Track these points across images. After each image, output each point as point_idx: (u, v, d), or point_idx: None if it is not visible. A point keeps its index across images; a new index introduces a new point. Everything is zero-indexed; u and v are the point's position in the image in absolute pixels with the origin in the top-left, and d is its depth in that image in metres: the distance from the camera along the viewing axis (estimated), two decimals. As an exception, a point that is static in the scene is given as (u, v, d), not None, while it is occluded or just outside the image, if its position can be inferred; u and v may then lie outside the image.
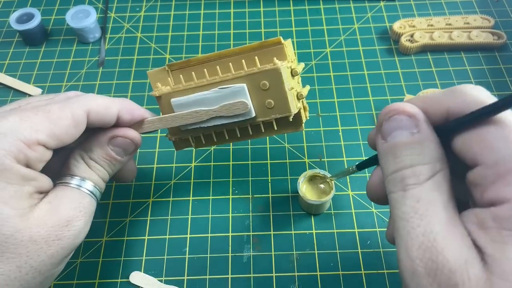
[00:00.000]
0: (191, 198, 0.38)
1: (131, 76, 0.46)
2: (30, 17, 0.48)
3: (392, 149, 0.20)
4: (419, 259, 0.18)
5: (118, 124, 0.28)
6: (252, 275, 0.34)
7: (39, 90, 0.45)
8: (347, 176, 0.38)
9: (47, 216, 0.24)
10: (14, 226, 0.22)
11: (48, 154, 0.24)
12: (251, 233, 0.36)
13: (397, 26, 0.47)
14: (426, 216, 0.18)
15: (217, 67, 0.28)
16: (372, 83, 0.44)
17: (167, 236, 0.36)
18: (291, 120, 0.28)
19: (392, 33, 0.47)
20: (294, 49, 0.30)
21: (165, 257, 0.35)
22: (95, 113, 0.26)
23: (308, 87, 0.30)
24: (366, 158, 0.27)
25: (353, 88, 0.44)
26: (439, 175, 0.19)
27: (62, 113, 0.24)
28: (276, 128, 0.29)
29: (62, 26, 0.51)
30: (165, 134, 0.30)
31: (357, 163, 0.29)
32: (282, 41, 0.27)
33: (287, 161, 0.40)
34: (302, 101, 0.29)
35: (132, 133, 0.29)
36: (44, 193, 0.25)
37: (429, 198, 0.19)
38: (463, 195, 0.21)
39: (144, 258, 0.35)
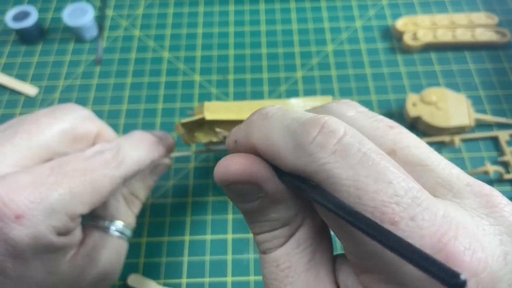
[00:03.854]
0: (190, 199, 0.37)
1: (129, 75, 0.45)
2: (26, 15, 0.47)
3: (245, 213, 0.17)
4: None
5: None
6: (252, 277, 0.33)
7: (36, 89, 0.44)
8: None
9: (87, 272, 0.24)
10: None
11: (80, 219, 0.24)
12: (251, 235, 0.35)
13: (399, 24, 0.46)
14: (286, 284, 0.16)
15: None
16: (374, 82, 0.44)
17: (166, 238, 0.35)
18: None
19: (395, 31, 0.47)
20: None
21: (164, 259, 0.35)
22: (131, 175, 0.26)
23: None
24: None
25: (355, 87, 0.43)
26: (301, 231, 0.16)
27: (104, 182, 0.24)
28: None
29: (59, 24, 0.50)
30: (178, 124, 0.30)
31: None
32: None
33: (288, 161, 0.39)
34: None
35: (170, 161, 0.30)
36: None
37: (288, 262, 0.16)
38: None
39: (142, 260, 0.35)
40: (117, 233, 0.26)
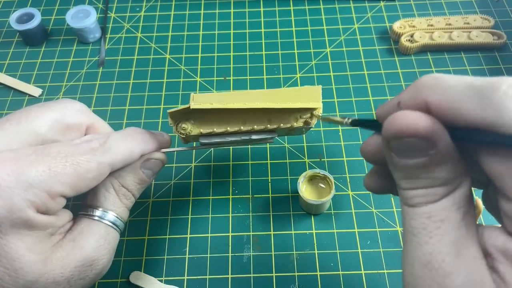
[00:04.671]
0: (191, 198, 0.38)
1: (131, 76, 0.46)
2: (30, 17, 0.48)
3: (403, 169, 0.18)
4: (422, 279, 0.17)
5: None
6: (252, 275, 0.34)
7: (39, 90, 0.45)
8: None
9: (71, 256, 0.24)
10: (39, 272, 0.22)
11: (64, 202, 0.24)
12: (251, 233, 0.36)
13: (397, 26, 0.47)
14: (436, 234, 0.17)
15: (253, 125, 0.29)
16: (372, 83, 0.44)
17: (167, 236, 0.36)
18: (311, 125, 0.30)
19: (392, 33, 0.47)
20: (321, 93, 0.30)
21: (165, 257, 0.35)
22: (119, 163, 0.26)
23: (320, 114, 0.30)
24: (366, 119, 0.24)
25: (353, 88, 0.44)
26: (457, 192, 0.17)
27: (89, 167, 0.24)
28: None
29: (62, 26, 0.51)
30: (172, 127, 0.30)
31: (354, 118, 0.26)
32: (320, 104, 0.29)
33: (287, 161, 0.40)
34: None
35: (162, 155, 0.29)
36: (65, 225, 0.25)
37: (441, 216, 0.17)
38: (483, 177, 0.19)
39: (144, 258, 0.35)
40: (105, 221, 0.26)
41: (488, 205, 0.20)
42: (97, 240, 0.25)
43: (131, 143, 0.27)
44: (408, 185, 0.18)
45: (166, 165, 0.40)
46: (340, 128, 0.41)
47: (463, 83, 0.16)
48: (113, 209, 0.27)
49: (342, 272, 0.34)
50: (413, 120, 0.16)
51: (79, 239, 0.25)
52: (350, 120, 0.25)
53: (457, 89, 0.16)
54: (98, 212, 0.26)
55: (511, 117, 0.14)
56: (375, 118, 0.21)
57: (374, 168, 0.23)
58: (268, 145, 0.41)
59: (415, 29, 0.47)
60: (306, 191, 0.36)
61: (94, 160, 0.24)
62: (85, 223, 0.26)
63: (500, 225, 0.17)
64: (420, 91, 0.17)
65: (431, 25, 0.47)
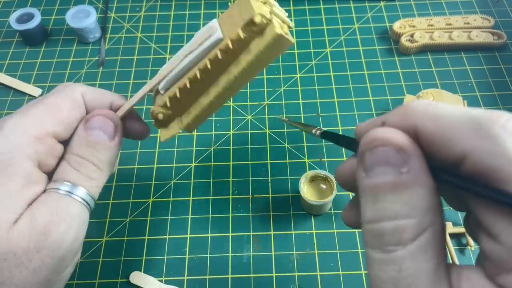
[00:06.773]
0: (191, 198, 0.38)
1: (131, 76, 0.46)
2: (30, 17, 0.48)
3: (373, 190, 0.16)
4: None
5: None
6: (252, 275, 0.34)
7: (39, 90, 0.45)
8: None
9: (25, 225, 0.22)
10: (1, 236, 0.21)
11: (59, 148, 0.24)
12: (251, 233, 0.36)
13: (397, 26, 0.47)
14: None
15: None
16: (372, 83, 0.44)
17: (167, 236, 0.36)
18: (257, 22, 0.24)
19: (392, 33, 0.47)
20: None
21: (165, 257, 0.35)
22: (91, 94, 0.26)
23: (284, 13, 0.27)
24: (338, 134, 0.23)
25: (353, 88, 0.44)
26: (428, 233, 0.15)
27: (58, 99, 0.25)
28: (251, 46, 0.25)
29: (62, 26, 0.51)
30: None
31: (325, 129, 0.25)
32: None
33: (287, 161, 0.40)
34: (283, 21, 0.27)
35: (105, 111, 0.26)
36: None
37: (413, 268, 0.15)
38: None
39: (144, 258, 0.35)
40: (58, 191, 0.23)
41: (469, 231, 0.18)
42: (49, 207, 0.23)
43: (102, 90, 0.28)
44: (374, 214, 0.16)
45: (165, 165, 0.40)
46: (340, 128, 0.41)
47: (459, 111, 0.15)
48: (70, 178, 0.24)
49: (342, 272, 0.34)
50: (392, 133, 0.16)
51: (35, 209, 0.23)
52: (319, 132, 0.24)
53: (452, 116, 0.15)
54: (53, 184, 0.24)
55: (505, 151, 0.14)
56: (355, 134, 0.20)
57: (352, 201, 0.22)
58: (268, 145, 0.41)
59: (415, 29, 0.47)
60: (307, 192, 0.36)
61: (62, 93, 0.25)
62: (44, 196, 0.23)
63: (475, 265, 0.15)
64: (410, 115, 0.16)
65: (431, 25, 0.47)
